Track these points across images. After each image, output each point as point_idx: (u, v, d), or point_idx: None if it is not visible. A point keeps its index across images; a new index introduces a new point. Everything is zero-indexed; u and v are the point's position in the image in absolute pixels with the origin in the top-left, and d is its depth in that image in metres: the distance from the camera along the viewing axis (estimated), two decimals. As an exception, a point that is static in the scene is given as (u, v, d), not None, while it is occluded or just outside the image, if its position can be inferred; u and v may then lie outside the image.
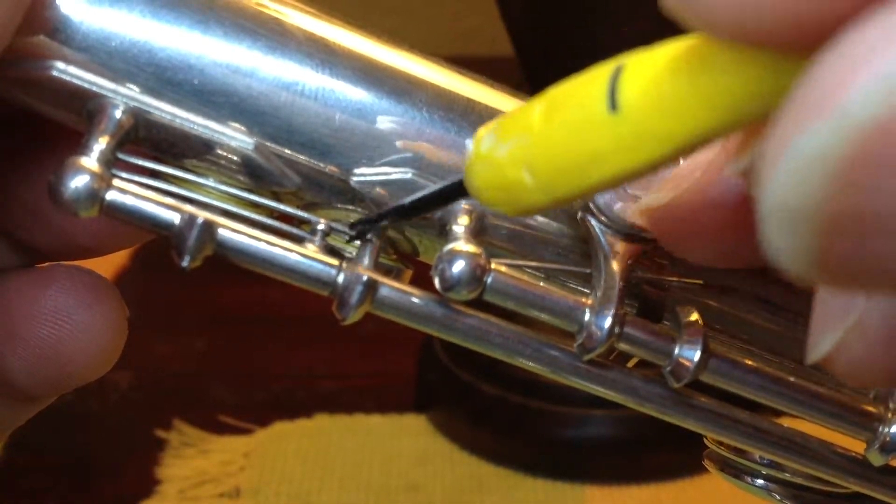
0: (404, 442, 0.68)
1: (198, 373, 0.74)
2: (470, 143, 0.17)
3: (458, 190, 0.19)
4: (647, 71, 0.15)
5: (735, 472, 0.26)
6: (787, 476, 0.25)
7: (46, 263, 0.25)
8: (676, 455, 0.65)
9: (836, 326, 0.16)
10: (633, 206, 0.22)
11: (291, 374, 0.74)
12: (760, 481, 0.25)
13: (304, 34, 0.22)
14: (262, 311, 0.79)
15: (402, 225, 0.22)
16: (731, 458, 0.25)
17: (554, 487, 0.65)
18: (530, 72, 0.68)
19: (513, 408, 0.67)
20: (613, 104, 0.15)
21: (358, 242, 0.22)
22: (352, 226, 0.22)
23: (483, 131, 0.17)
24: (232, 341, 0.77)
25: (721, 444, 0.25)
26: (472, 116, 0.23)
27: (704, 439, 0.26)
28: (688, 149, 0.15)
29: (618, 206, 0.22)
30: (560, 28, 0.64)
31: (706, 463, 0.26)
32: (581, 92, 0.15)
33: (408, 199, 0.21)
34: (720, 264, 0.22)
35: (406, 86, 0.22)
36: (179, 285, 0.78)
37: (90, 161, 0.20)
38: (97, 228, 0.24)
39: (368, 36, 0.22)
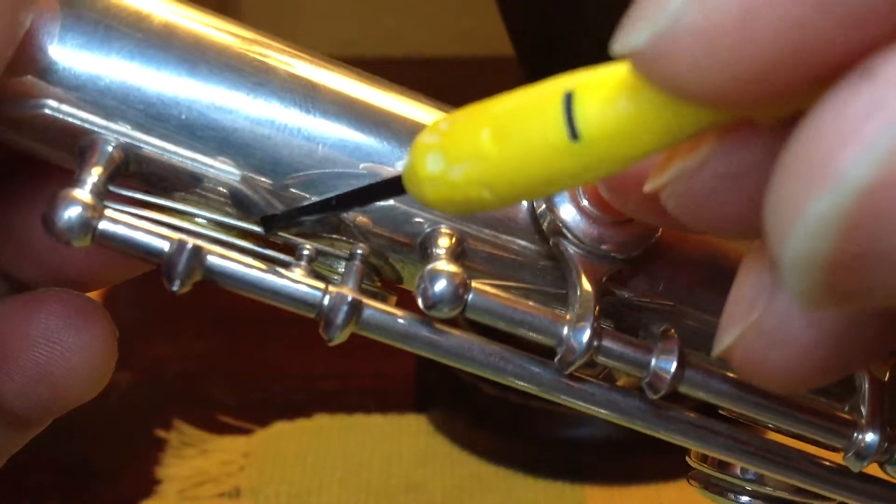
0: (404, 442, 0.68)
1: (198, 373, 0.74)
2: (409, 154, 0.18)
3: (394, 188, 0.19)
4: (599, 97, 0.16)
5: (719, 489, 0.26)
6: (769, 490, 0.25)
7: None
8: (676, 455, 0.64)
9: (738, 324, 0.18)
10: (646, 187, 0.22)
11: (291, 374, 0.74)
12: (745, 498, 0.26)
13: (287, 73, 0.22)
14: (262, 311, 0.78)
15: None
16: (714, 475, 0.26)
17: (554, 487, 0.65)
18: (530, 72, 0.68)
19: (513, 408, 0.67)
20: (574, 133, 0.16)
21: (342, 269, 0.23)
22: (263, 219, 0.22)
23: (424, 148, 0.17)
24: (232, 341, 0.77)
25: (704, 459, 0.26)
26: None
27: (687, 458, 0.26)
28: (639, 160, 0.16)
29: (586, 226, 0.23)
30: (560, 28, 0.64)
31: (691, 483, 0.27)
32: (534, 117, 0.16)
33: (336, 194, 0.22)
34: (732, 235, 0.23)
35: (385, 118, 0.23)
36: (179, 285, 0.78)
37: (83, 193, 0.20)
38: (86, 263, 0.25)
39: (348, 73, 0.23)
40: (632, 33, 0.15)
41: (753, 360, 0.18)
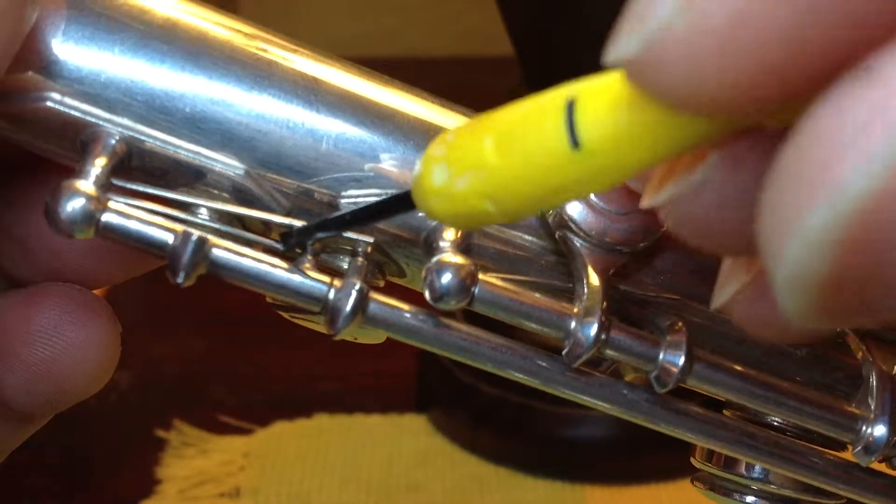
0: (404, 442, 0.68)
1: (198, 373, 0.74)
2: (418, 166, 0.17)
3: (404, 203, 0.19)
4: (601, 104, 0.15)
5: (724, 490, 0.26)
6: (774, 488, 0.25)
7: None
8: (676, 455, 0.64)
9: (732, 283, 0.18)
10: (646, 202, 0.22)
11: (291, 374, 0.74)
12: (750, 498, 0.26)
13: (290, 68, 0.22)
14: (262, 311, 0.78)
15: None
16: (719, 474, 0.26)
17: (554, 487, 0.65)
18: (530, 72, 0.68)
19: (513, 408, 0.67)
20: (575, 141, 0.15)
21: (348, 262, 0.22)
22: (283, 235, 0.22)
23: (431, 160, 0.17)
24: (232, 341, 0.77)
25: (709, 459, 0.26)
26: None
27: (692, 458, 0.26)
28: (641, 172, 0.16)
29: (593, 219, 0.23)
30: (560, 28, 0.64)
31: (695, 485, 0.27)
32: (536, 125, 0.16)
33: (347, 211, 0.22)
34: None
35: (389, 113, 0.23)
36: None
37: (86, 184, 0.20)
38: (84, 264, 0.25)
39: (350, 69, 0.23)
40: (622, 42, 0.14)
41: (751, 315, 0.18)
